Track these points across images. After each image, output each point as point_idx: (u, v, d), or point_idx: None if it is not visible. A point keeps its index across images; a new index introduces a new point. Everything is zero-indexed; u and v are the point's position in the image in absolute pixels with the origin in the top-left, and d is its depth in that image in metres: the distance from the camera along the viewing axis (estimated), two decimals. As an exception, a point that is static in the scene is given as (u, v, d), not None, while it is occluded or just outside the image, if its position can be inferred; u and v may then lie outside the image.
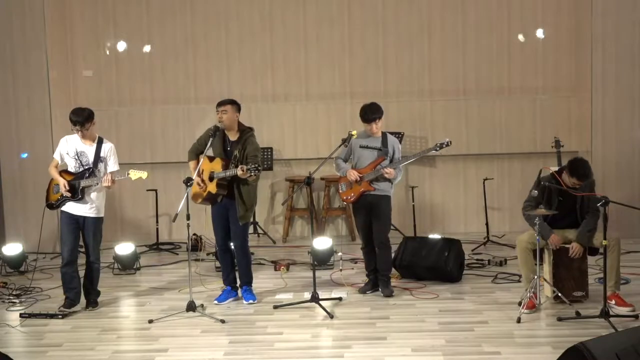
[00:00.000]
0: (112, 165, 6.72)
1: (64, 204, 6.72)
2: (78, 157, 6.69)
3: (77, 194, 6.65)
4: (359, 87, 9.50)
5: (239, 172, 6.44)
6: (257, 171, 6.44)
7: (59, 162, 6.77)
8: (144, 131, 9.60)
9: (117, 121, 9.63)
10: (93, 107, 9.36)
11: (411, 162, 6.87)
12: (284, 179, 9.58)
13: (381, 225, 6.91)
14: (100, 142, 6.72)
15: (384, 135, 6.90)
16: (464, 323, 6.17)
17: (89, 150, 6.69)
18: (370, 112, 6.80)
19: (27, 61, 9.39)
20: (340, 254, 7.77)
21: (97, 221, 6.78)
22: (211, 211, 6.90)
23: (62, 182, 6.64)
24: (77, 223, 6.75)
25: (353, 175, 6.81)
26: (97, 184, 6.62)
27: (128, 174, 6.64)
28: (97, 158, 6.68)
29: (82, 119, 6.60)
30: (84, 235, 6.80)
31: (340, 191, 7.07)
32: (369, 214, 6.91)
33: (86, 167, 6.67)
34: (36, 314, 6.63)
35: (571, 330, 5.87)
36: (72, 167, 6.71)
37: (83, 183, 6.63)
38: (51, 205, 6.84)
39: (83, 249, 6.95)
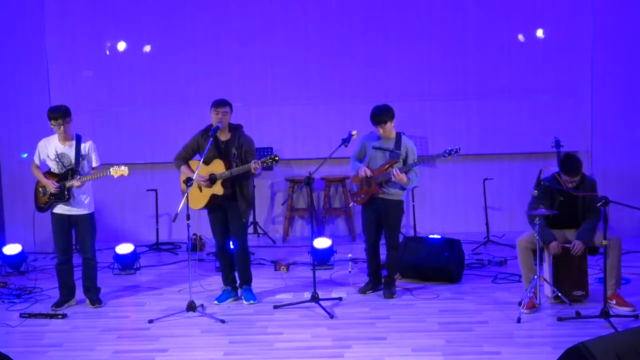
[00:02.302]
0: (95, 161, 6.80)
1: (54, 206, 6.74)
2: (59, 158, 6.71)
3: (64, 195, 6.68)
4: (359, 87, 9.48)
5: (253, 165, 6.46)
6: (272, 161, 6.52)
7: (38, 164, 6.80)
8: (144, 131, 9.59)
9: (117, 121, 9.62)
10: (93, 107, 9.55)
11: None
12: (284, 179, 9.58)
13: (391, 229, 6.90)
14: (78, 141, 6.75)
15: (398, 136, 6.86)
16: (464, 323, 6.18)
17: (69, 150, 6.72)
18: (378, 115, 6.76)
19: (27, 62, 9.41)
20: (350, 255, 7.75)
21: (90, 217, 6.84)
22: (209, 216, 6.91)
23: (51, 184, 6.65)
24: (69, 223, 6.79)
25: (362, 171, 6.79)
26: (76, 185, 6.66)
27: (109, 171, 6.67)
28: (78, 157, 6.71)
29: (61, 112, 6.62)
30: (78, 234, 6.83)
31: (351, 192, 7.06)
32: (378, 217, 6.89)
33: (68, 168, 6.69)
34: (36, 314, 6.64)
35: (571, 330, 5.87)
36: (54, 169, 6.74)
37: (68, 184, 6.66)
38: (41, 208, 6.84)
39: (77, 248, 6.97)
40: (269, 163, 6.54)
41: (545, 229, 6.38)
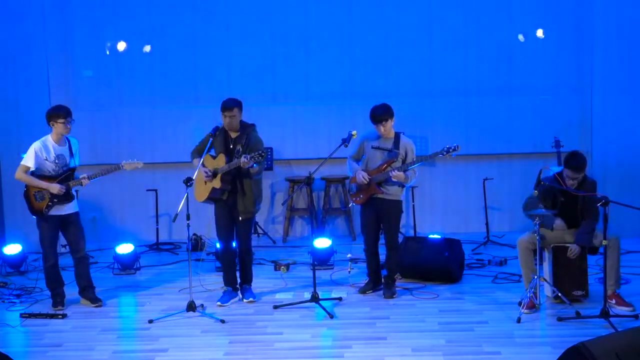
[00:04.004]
0: (77, 160, 6.86)
1: (53, 208, 6.71)
2: (58, 160, 6.70)
3: (70, 196, 6.73)
4: (360, 86, 9.48)
5: (242, 160, 6.45)
6: (260, 157, 6.46)
7: (33, 168, 6.67)
8: (144, 131, 9.59)
9: (117, 121, 9.62)
10: (93, 107, 9.56)
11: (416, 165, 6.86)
12: (284, 179, 9.58)
13: (390, 229, 6.90)
14: (68, 141, 6.80)
15: (396, 136, 6.86)
16: (464, 323, 6.18)
17: (64, 151, 6.75)
18: (378, 114, 6.76)
19: (27, 61, 9.42)
20: (349, 255, 7.75)
21: (79, 216, 6.91)
22: (215, 211, 6.91)
23: (58, 187, 6.63)
24: (58, 223, 6.79)
25: (361, 176, 6.80)
26: (84, 184, 6.75)
27: (122, 165, 6.74)
28: (72, 155, 6.77)
29: (67, 110, 6.70)
30: (70, 233, 6.83)
31: (350, 192, 7.06)
32: (377, 217, 6.89)
33: (66, 169, 6.72)
34: (36, 314, 6.64)
35: (571, 330, 5.87)
36: (50, 170, 6.69)
37: (72, 183, 6.71)
38: (41, 213, 6.71)
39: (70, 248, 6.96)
40: (257, 159, 6.49)
41: (546, 215, 6.36)
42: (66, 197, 6.69)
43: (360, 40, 9.50)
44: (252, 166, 6.54)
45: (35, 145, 6.68)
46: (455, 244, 7.50)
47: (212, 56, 9.59)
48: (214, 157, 6.79)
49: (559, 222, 6.43)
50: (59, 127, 6.65)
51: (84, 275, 6.92)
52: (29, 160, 6.66)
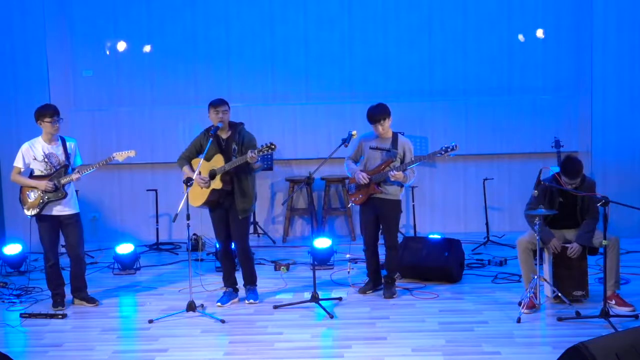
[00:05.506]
0: (79, 160, 6.86)
1: (49, 207, 6.70)
2: (48, 158, 6.70)
3: (60, 192, 6.69)
4: (360, 86, 9.49)
5: (250, 155, 6.43)
6: (268, 149, 6.45)
7: (23, 169, 6.73)
8: (144, 131, 9.59)
9: (117, 121, 9.63)
10: (93, 107, 9.57)
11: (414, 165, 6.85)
12: (284, 179, 9.58)
13: (390, 229, 6.89)
14: (63, 140, 6.80)
15: (394, 135, 6.86)
16: (464, 323, 6.18)
17: (56, 149, 6.74)
18: (375, 113, 6.76)
19: (27, 61, 9.42)
20: (348, 255, 7.76)
21: (79, 217, 6.88)
22: (211, 214, 6.90)
23: (44, 183, 6.63)
24: (59, 224, 6.78)
25: (361, 177, 6.79)
26: (75, 178, 6.73)
27: (113, 157, 6.74)
28: (67, 154, 6.75)
29: (54, 108, 6.70)
30: (70, 234, 6.81)
31: (350, 192, 7.06)
32: (376, 217, 6.89)
33: (58, 167, 6.71)
34: (36, 314, 6.64)
35: (571, 330, 5.87)
36: (41, 170, 6.70)
37: (64, 180, 6.68)
38: (34, 212, 6.71)
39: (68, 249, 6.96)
40: (266, 151, 6.49)
41: (544, 228, 6.39)
42: (56, 193, 6.67)
43: (360, 39, 9.51)
44: (258, 160, 6.55)
45: (23, 147, 6.77)
46: (455, 244, 7.50)
47: (212, 56, 9.59)
48: (208, 158, 6.70)
49: (554, 241, 6.43)
50: (46, 126, 6.67)
51: (79, 276, 6.91)
52: (18, 161, 6.77)
